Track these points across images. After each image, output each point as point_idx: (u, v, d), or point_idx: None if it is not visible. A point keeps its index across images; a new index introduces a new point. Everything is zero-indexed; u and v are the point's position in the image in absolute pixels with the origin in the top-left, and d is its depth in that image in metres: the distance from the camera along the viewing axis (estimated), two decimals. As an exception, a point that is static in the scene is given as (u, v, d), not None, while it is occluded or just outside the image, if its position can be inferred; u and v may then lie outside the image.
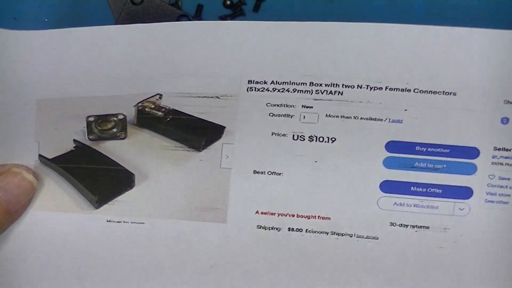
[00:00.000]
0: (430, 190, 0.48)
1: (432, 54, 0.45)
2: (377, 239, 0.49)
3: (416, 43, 0.45)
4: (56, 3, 0.50)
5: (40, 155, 0.50)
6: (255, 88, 0.48)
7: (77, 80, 0.48)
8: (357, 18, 0.47)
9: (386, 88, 0.46)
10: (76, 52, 0.48)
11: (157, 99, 0.48)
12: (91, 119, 0.49)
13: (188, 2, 0.51)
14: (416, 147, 0.47)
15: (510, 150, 0.46)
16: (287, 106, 0.48)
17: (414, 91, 0.46)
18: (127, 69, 0.48)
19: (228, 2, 0.50)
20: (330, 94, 0.47)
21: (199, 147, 0.49)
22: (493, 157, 0.46)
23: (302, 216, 0.49)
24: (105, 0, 0.51)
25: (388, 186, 0.48)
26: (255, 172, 0.49)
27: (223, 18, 0.49)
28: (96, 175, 0.50)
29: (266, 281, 0.50)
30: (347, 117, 0.47)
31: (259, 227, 0.48)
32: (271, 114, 0.48)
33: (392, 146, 0.47)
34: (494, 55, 0.45)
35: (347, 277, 0.49)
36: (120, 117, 0.49)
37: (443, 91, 0.46)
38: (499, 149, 0.46)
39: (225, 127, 0.48)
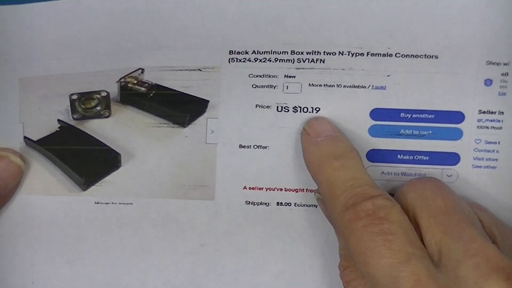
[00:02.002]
0: (417, 157, 0.48)
1: (412, 17, 0.45)
2: None
3: (395, 5, 0.45)
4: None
5: (25, 137, 0.50)
6: (237, 59, 0.48)
7: (59, 56, 0.49)
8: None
9: (367, 54, 0.46)
10: (56, 26, 0.48)
11: (139, 74, 0.49)
12: (74, 97, 0.49)
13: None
14: (401, 113, 0.47)
15: (495, 112, 0.46)
16: (269, 76, 0.48)
17: (396, 55, 0.46)
18: (107, 42, 0.48)
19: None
20: (312, 62, 0.47)
21: (183, 123, 0.49)
22: (478, 120, 0.47)
23: (290, 190, 0.49)
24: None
25: (374, 155, 0.48)
26: (241, 146, 0.49)
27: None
28: (82, 156, 0.50)
29: (257, 257, 0.50)
30: (330, 86, 0.47)
31: (248, 202, 0.48)
32: (254, 86, 0.48)
33: (376, 113, 0.47)
34: (475, 15, 0.45)
35: (337, 249, 0.48)
36: (103, 94, 0.49)
37: (425, 55, 0.46)
38: (484, 112, 0.46)
39: (208, 101, 0.48)
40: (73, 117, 0.50)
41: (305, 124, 0.44)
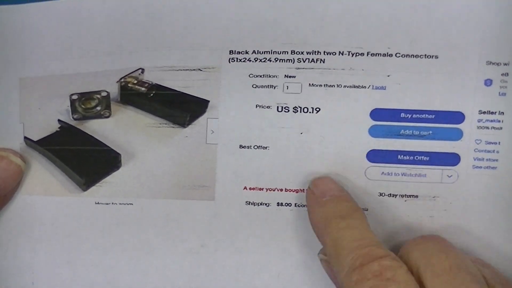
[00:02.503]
0: (417, 158, 0.48)
1: (412, 17, 0.45)
2: (367, 210, 0.48)
3: (396, 5, 0.45)
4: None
5: (25, 137, 0.50)
6: (237, 58, 0.48)
7: (59, 57, 0.49)
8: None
9: (367, 53, 0.46)
10: (56, 27, 0.48)
11: (139, 74, 0.48)
12: (75, 97, 0.49)
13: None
14: (401, 114, 0.47)
15: (495, 113, 0.46)
16: (269, 76, 0.48)
17: (396, 55, 0.46)
18: (108, 43, 0.48)
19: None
20: (312, 62, 0.47)
21: (184, 123, 0.49)
22: (479, 120, 0.46)
23: (290, 190, 0.49)
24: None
25: (375, 156, 0.48)
26: (241, 146, 0.49)
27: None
28: (82, 157, 0.50)
29: (257, 257, 0.50)
30: (330, 86, 0.47)
31: (248, 203, 0.48)
32: (254, 86, 0.48)
33: (376, 114, 0.47)
34: (475, 15, 0.45)
35: None
36: (104, 94, 0.49)
37: (425, 55, 0.46)
38: (484, 112, 0.46)
39: (208, 101, 0.48)
40: (73, 117, 0.50)
41: (310, 183, 0.44)
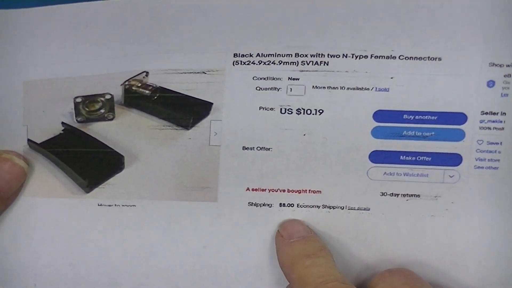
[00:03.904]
0: (419, 158, 0.47)
1: (415, 19, 0.45)
2: (369, 210, 0.48)
3: (399, 8, 0.45)
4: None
5: (29, 140, 0.49)
6: (241, 61, 0.47)
7: (64, 60, 0.48)
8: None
9: (371, 56, 0.46)
10: (61, 30, 0.48)
11: (143, 77, 0.48)
12: (79, 100, 0.49)
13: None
14: (404, 115, 0.47)
15: (497, 114, 0.46)
16: (273, 79, 0.47)
17: (399, 58, 0.46)
18: (112, 46, 0.48)
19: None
20: (316, 65, 0.47)
21: (187, 125, 0.49)
22: (481, 121, 0.46)
23: (293, 191, 0.49)
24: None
25: (377, 156, 0.48)
26: (244, 148, 0.49)
27: None
28: (85, 159, 0.49)
29: (259, 258, 0.50)
30: (333, 88, 0.47)
31: (250, 204, 0.48)
32: (258, 88, 0.48)
33: (379, 115, 0.47)
34: (478, 17, 0.45)
35: (340, 249, 0.49)
36: (108, 97, 0.49)
37: (428, 57, 0.46)
38: (486, 113, 0.46)
39: (212, 103, 0.48)
40: (77, 120, 0.50)
41: (279, 226, 0.45)
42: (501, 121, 0.46)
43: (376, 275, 0.43)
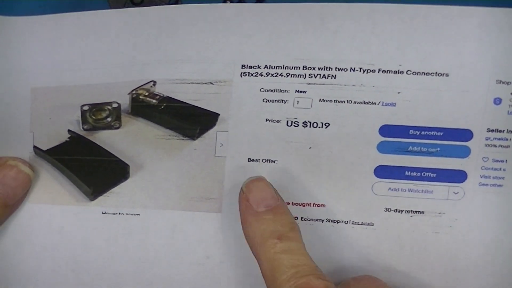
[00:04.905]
0: (424, 174, 0.47)
1: (424, 35, 0.45)
2: (372, 225, 0.48)
3: (408, 23, 0.45)
4: (56, 2, 0.50)
5: (34, 147, 0.49)
6: (249, 73, 0.47)
7: (71, 68, 0.48)
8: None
9: (379, 70, 0.46)
10: (70, 38, 0.48)
11: (151, 86, 0.48)
12: (86, 108, 0.48)
13: (187, 2, 0.50)
14: (410, 130, 0.46)
15: (503, 131, 0.45)
16: (280, 91, 0.47)
17: (407, 73, 0.46)
18: (121, 55, 0.48)
19: (228, 0, 0.49)
20: (324, 78, 0.47)
21: (193, 136, 0.48)
22: (487, 139, 0.46)
23: (297, 204, 0.48)
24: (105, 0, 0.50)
25: (382, 171, 0.47)
26: (249, 160, 0.48)
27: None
28: (91, 167, 0.49)
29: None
30: (340, 101, 0.47)
31: None
32: (264, 100, 0.47)
33: (385, 130, 0.47)
34: (486, 34, 0.44)
35: (343, 264, 0.48)
36: (115, 105, 0.49)
37: (436, 72, 0.45)
38: (492, 131, 0.46)
39: (219, 114, 0.48)
40: (83, 128, 0.49)
41: (244, 185, 0.43)
42: (507, 139, 0.46)
43: (351, 278, 0.43)
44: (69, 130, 0.49)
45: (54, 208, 0.49)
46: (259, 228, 0.40)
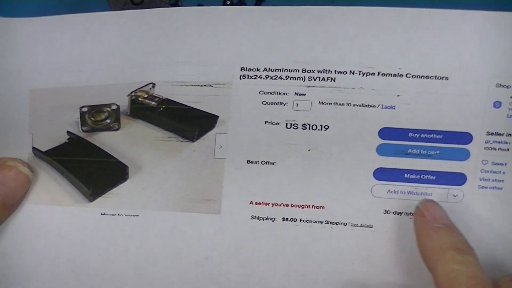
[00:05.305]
0: (423, 176, 0.47)
1: (424, 38, 0.45)
2: (372, 227, 0.48)
3: (408, 26, 0.45)
4: (55, 3, 0.50)
5: (33, 148, 0.49)
6: (248, 75, 0.47)
7: (71, 69, 0.48)
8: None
9: (378, 73, 0.46)
10: (69, 39, 0.48)
11: (150, 88, 0.48)
12: (85, 109, 0.48)
13: (188, 2, 0.50)
14: (409, 133, 0.46)
15: (503, 134, 0.45)
16: (280, 93, 0.47)
17: (406, 76, 0.46)
18: (120, 57, 0.48)
19: (228, 2, 0.49)
20: (323, 81, 0.46)
21: (192, 137, 0.48)
22: (486, 142, 0.46)
23: (296, 206, 0.48)
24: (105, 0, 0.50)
25: (381, 174, 0.47)
26: (249, 162, 0.48)
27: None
28: (90, 168, 0.49)
29: (261, 271, 0.49)
30: (340, 104, 0.47)
31: (254, 217, 0.47)
32: (264, 102, 0.47)
33: (385, 133, 0.47)
34: (486, 38, 0.44)
35: (342, 266, 0.48)
36: (114, 107, 0.49)
37: (436, 76, 0.45)
38: (491, 134, 0.46)
39: (218, 116, 0.48)
40: (82, 129, 0.49)
41: (420, 204, 0.44)
42: (506, 142, 0.46)
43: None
44: (68, 132, 0.49)
45: (53, 209, 0.49)
46: (439, 240, 0.40)
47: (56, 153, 0.49)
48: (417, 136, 0.46)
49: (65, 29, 0.47)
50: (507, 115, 0.45)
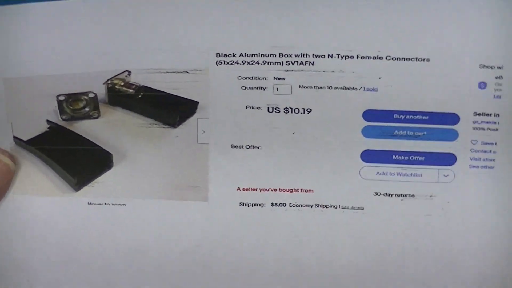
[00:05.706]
0: (412, 158, 0.50)
1: (402, 20, 0.47)
2: (363, 209, 0.51)
3: (385, 9, 0.47)
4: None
5: (15, 137, 0.52)
6: (224, 61, 0.50)
7: (43, 58, 0.51)
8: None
9: (357, 56, 0.48)
10: (41, 27, 0.50)
11: (126, 76, 0.51)
12: (62, 98, 0.51)
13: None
14: (394, 115, 0.49)
15: (490, 115, 0.48)
16: (258, 78, 0.50)
17: (386, 58, 0.48)
18: (91, 44, 0.50)
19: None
20: (301, 65, 0.49)
21: (174, 123, 0.51)
22: (474, 122, 0.48)
23: (284, 190, 0.51)
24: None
25: (369, 156, 0.50)
26: (233, 146, 0.51)
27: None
28: (74, 156, 0.52)
29: (252, 258, 0.52)
30: (321, 88, 0.49)
31: (242, 204, 0.50)
32: (243, 87, 0.50)
33: (369, 115, 0.49)
34: (466, 19, 0.47)
35: (334, 250, 0.51)
36: (91, 95, 0.51)
37: (416, 58, 0.48)
38: (479, 114, 0.48)
39: (198, 102, 0.50)
40: (62, 118, 0.52)
41: None
42: (495, 122, 0.48)
43: None
44: (47, 121, 0.52)
45: (39, 199, 0.52)
46: None
47: (38, 142, 0.52)
48: (402, 117, 0.49)
49: (37, 17, 0.50)
50: (494, 95, 0.48)
